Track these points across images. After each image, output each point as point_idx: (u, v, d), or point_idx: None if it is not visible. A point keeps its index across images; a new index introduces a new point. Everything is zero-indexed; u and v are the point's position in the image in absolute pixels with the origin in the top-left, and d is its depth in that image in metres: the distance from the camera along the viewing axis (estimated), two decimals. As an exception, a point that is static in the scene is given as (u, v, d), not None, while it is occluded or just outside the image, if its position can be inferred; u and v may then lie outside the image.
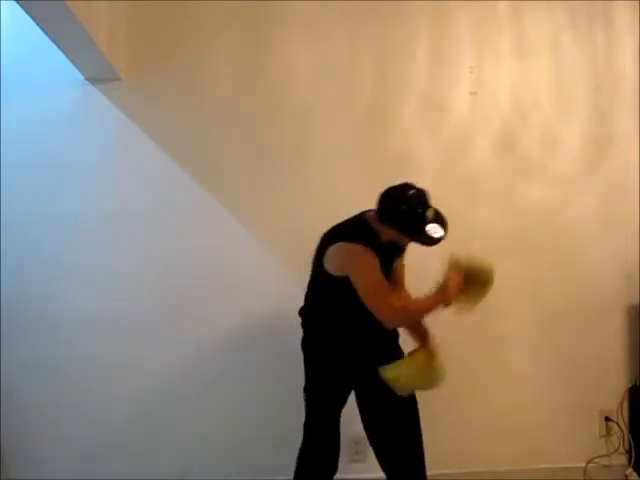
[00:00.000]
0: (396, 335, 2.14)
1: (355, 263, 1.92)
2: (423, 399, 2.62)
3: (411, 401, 2.09)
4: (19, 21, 2.20)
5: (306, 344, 2.13)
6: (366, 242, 1.90)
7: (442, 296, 1.94)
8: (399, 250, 2.10)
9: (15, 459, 2.51)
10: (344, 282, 1.93)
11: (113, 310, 2.54)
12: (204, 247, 2.58)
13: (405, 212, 1.89)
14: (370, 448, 2.14)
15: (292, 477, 2.14)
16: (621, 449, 2.75)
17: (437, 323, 2.64)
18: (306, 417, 2.14)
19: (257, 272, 2.59)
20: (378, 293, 1.92)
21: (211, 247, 2.59)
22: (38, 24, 2.02)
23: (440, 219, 1.93)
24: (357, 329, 2.03)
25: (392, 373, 1.96)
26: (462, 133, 2.72)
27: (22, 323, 2.51)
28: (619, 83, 2.82)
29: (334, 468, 2.16)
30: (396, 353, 2.10)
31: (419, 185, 1.95)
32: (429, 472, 2.12)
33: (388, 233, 1.95)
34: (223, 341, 2.59)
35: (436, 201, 2.65)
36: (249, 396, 2.59)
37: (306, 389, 2.13)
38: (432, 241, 1.89)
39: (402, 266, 2.16)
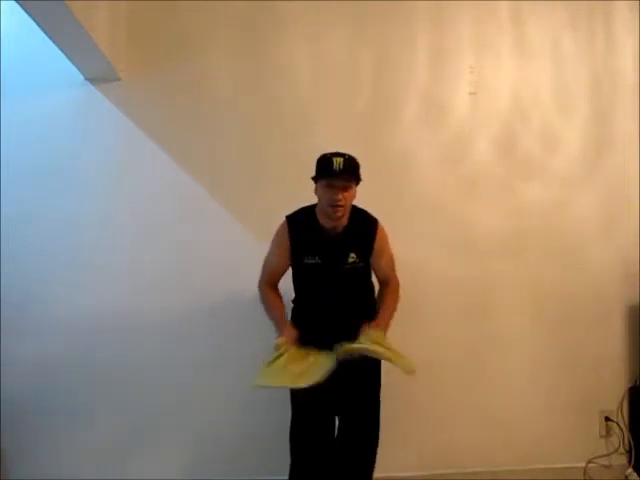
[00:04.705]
0: None
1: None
2: (423, 399, 2.63)
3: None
4: (19, 21, 2.21)
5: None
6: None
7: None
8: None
9: (15, 459, 2.51)
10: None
11: (113, 310, 2.54)
12: (204, 246, 2.58)
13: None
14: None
15: None
16: (621, 449, 2.75)
17: (438, 323, 2.67)
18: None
19: (257, 272, 2.59)
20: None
21: (211, 246, 2.59)
22: (38, 24, 2.02)
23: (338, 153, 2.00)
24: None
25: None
26: (462, 133, 2.72)
27: (22, 323, 2.51)
28: (619, 83, 2.82)
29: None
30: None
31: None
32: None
33: (318, 197, 2.07)
34: (224, 341, 2.59)
35: (436, 201, 2.69)
36: (249, 396, 2.58)
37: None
38: (329, 169, 1.97)
39: None
